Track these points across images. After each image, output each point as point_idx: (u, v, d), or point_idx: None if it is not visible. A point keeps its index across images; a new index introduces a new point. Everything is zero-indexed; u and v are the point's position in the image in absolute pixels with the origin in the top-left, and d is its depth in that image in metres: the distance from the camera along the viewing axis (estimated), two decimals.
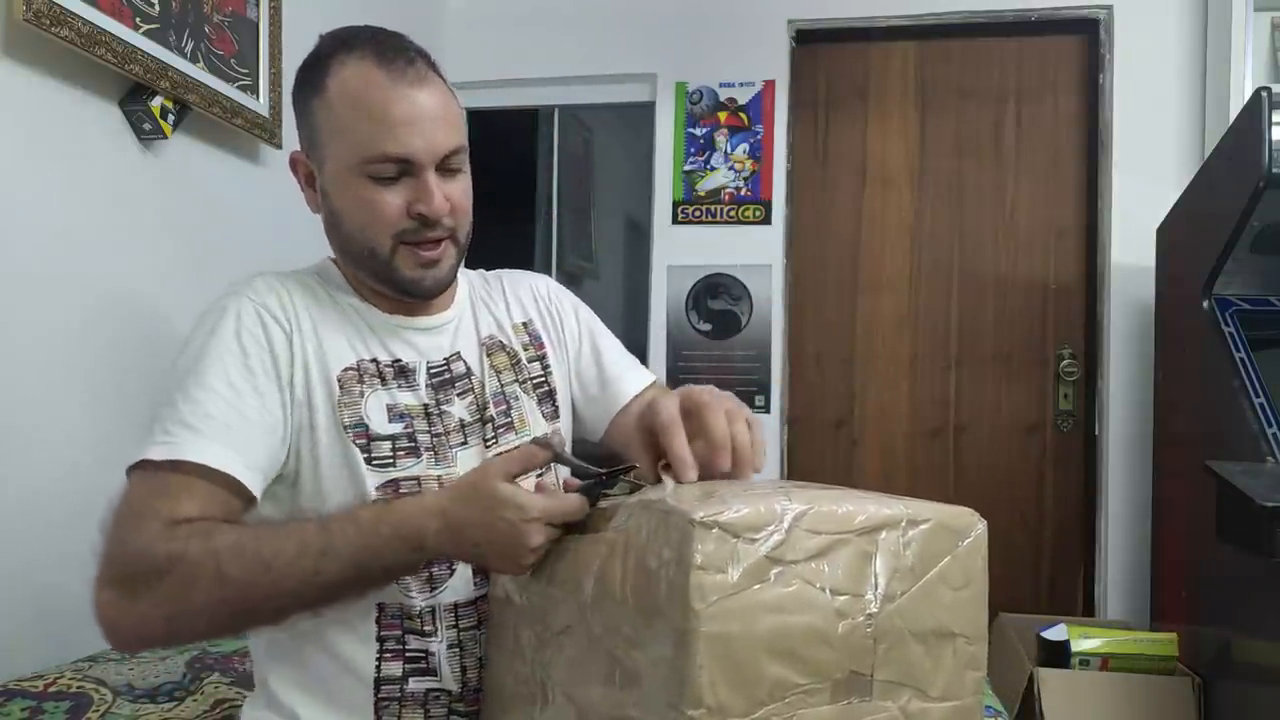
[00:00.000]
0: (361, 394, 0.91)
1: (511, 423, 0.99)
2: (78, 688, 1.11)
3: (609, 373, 1.10)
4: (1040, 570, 2.55)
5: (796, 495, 0.64)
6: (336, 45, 0.90)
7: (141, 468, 0.82)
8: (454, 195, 0.91)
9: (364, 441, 0.89)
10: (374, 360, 0.93)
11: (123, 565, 0.79)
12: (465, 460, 0.94)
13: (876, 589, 0.63)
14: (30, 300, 1.27)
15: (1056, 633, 1.99)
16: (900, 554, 0.65)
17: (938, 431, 2.62)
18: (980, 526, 0.69)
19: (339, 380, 0.90)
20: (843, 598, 0.62)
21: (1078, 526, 2.54)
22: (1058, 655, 1.96)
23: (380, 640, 0.89)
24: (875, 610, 0.63)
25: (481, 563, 0.83)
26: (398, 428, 0.91)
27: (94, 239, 1.38)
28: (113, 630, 0.80)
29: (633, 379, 1.11)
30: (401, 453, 0.90)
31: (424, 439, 0.92)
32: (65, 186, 1.33)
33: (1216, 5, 2.36)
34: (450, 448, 0.94)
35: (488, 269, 1.14)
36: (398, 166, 0.88)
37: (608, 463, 0.80)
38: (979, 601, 0.69)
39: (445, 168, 0.90)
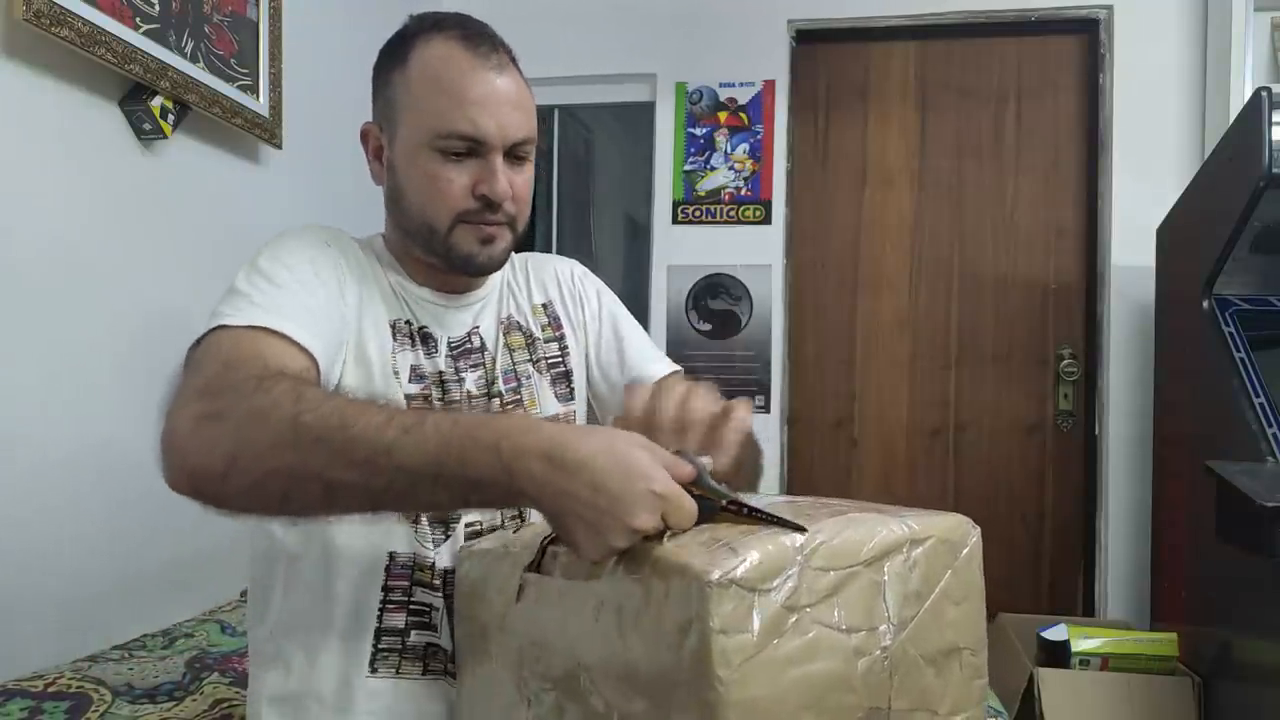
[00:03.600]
0: (394, 350, 0.93)
1: (521, 400, 1.00)
2: (77, 688, 1.11)
3: (630, 359, 1.10)
4: (1040, 570, 2.55)
5: (804, 522, 0.61)
6: (425, 25, 0.93)
7: (219, 332, 0.79)
8: (517, 184, 0.93)
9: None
10: (407, 322, 0.95)
11: (200, 387, 0.73)
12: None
13: (889, 620, 0.61)
14: (30, 300, 1.27)
15: (1056, 633, 1.99)
16: (907, 579, 0.63)
17: (938, 431, 2.62)
18: (975, 534, 0.68)
19: (387, 324, 0.93)
20: (858, 635, 0.60)
21: (1078, 526, 2.54)
22: (1058, 655, 1.96)
23: (385, 590, 0.89)
24: (889, 643, 0.61)
25: (565, 519, 0.63)
26: (415, 389, 0.92)
27: (94, 239, 1.38)
28: (171, 451, 0.71)
29: (655, 369, 1.11)
30: None
31: (438, 405, 0.93)
32: (65, 186, 1.33)
33: (1216, 5, 2.36)
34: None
35: None
36: (467, 145, 0.89)
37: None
38: (978, 612, 0.68)
39: (513, 155, 0.92)
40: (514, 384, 1.00)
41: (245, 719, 0.97)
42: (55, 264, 1.31)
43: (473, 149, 0.89)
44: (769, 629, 0.55)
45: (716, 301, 2.64)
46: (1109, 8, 2.48)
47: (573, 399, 1.06)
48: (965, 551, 0.67)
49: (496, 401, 0.98)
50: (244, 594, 1.63)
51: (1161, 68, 2.43)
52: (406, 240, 0.97)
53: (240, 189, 1.75)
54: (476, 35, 0.91)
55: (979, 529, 0.68)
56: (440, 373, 0.95)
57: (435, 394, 0.94)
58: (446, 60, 0.90)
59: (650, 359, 1.12)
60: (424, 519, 0.90)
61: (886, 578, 0.61)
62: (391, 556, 0.89)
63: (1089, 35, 2.55)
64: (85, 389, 1.36)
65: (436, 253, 0.94)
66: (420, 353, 0.95)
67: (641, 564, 0.60)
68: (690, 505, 0.62)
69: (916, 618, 0.63)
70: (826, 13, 2.62)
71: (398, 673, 0.89)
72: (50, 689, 1.10)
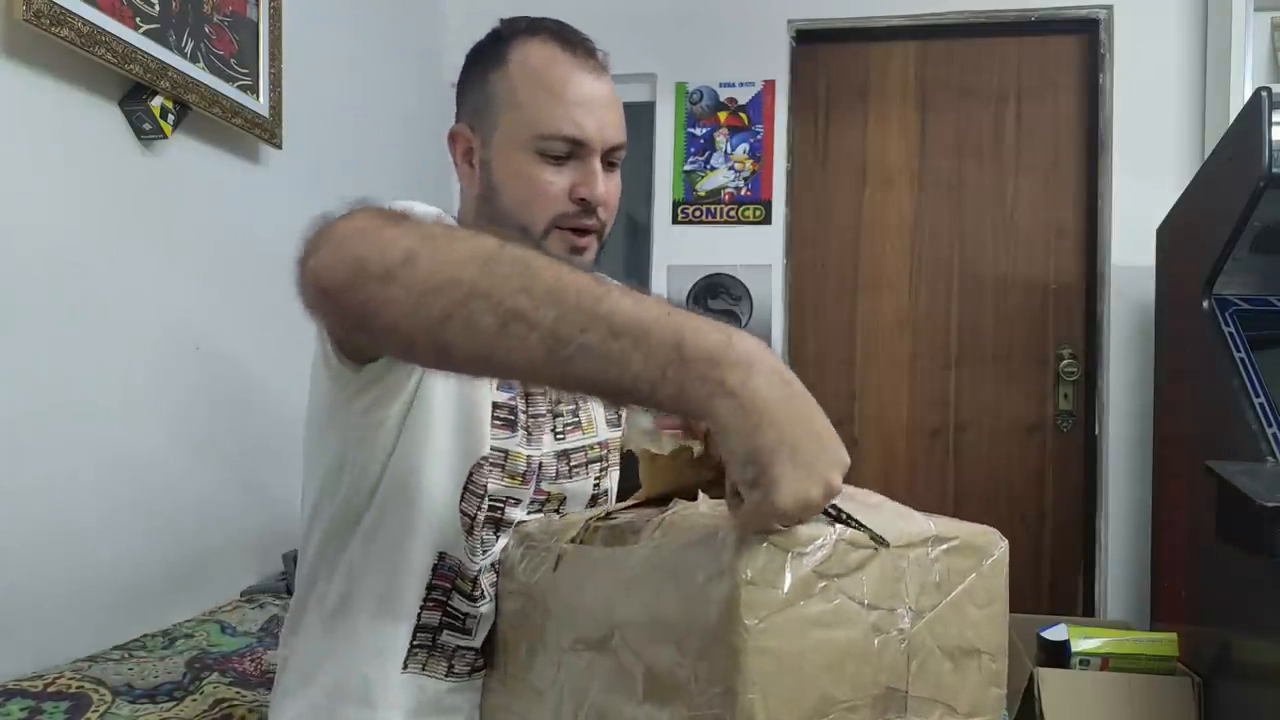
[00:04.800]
0: None
1: (579, 422, 1.00)
2: (77, 688, 1.11)
3: None
4: (1040, 570, 2.55)
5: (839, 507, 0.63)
6: (520, 28, 0.93)
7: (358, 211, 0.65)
8: (611, 190, 0.92)
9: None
10: None
11: (375, 212, 0.64)
12: (548, 446, 0.95)
13: (907, 604, 0.63)
14: (30, 300, 1.27)
15: (1056, 633, 1.99)
16: (929, 569, 0.65)
17: (938, 431, 2.62)
18: (1002, 546, 0.69)
19: None
20: (878, 612, 0.62)
21: (1078, 526, 2.54)
22: (1058, 655, 1.96)
23: (429, 589, 0.88)
24: (907, 626, 0.63)
25: (778, 449, 0.53)
26: (504, 397, 0.90)
27: (93, 239, 1.38)
28: (326, 242, 0.62)
29: None
30: (499, 424, 0.90)
31: (521, 417, 0.92)
32: (65, 186, 1.33)
33: (1216, 5, 2.36)
34: (542, 431, 0.94)
35: None
36: (569, 147, 0.89)
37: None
38: (1001, 620, 0.69)
39: (609, 161, 0.92)
40: (573, 405, 1.00)
41: (247, 718, 0.97)
42: (55, 264, 1.31)
43: (573, 151, 0.89)
44: (798, 589, 0.58)
45: (716, 301, 2.64)
46: (1109, 8, 2.48)
47: (619, 425, 1.06)
48: (991, 560, 0.68)
49: (560, 420, 0.97)
50: (244, 594, 1.63)
51: (1161, 68, 2.43)
52: None
53: (240, 189, 1.75)
54: (575, 38, 0.92)
55: (1007, 542, 0.69)
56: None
57: (520, 405, 0.92)
58: (549, 61, 0.90)
59: None
60: (479, 529, 0.88)
61: (908, 564, 0.63)
62: (441, 556, 0.88)
63: (1089, 35, 2.55)
64: (85, 388, 1.35)
65: None
66: None
67: (684, 526, 0.65)
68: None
69: (936, 609, 0.64)
70: (826, 13, 2.63)
71: (424, 669, 0.88)
72: (50, 689, 1.10)
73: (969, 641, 0.66)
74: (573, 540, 0.79)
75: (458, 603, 0.89)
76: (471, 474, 0.88)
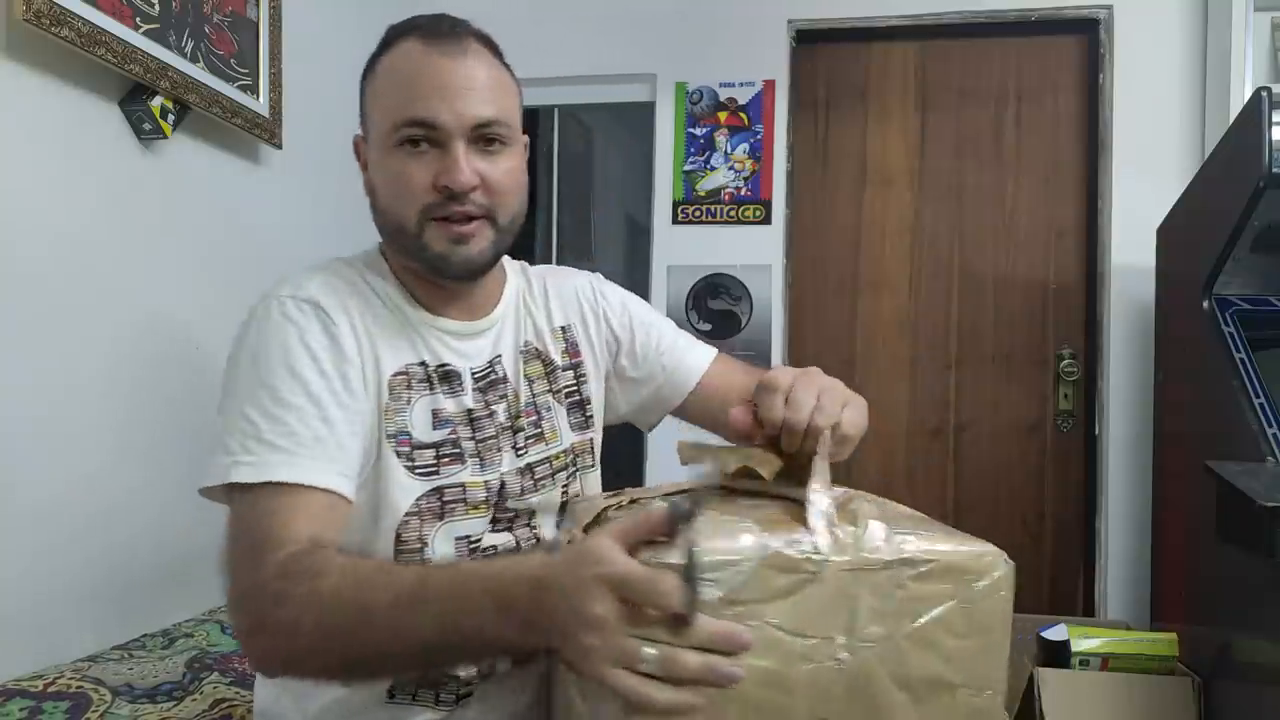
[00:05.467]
0: (409, 400, 0.89)
1: (541, 433, 0.99)
2: (77, 688, 1.11)
3: (668, 360, 1.10)
4: (1040, 570, 2.55)
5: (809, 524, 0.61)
6: (396, 32, 0.91)
7: (239, 490, 0.78)
8: (490, 172, 0.88)
9: (407, 450, 0.87)
10: (422, 364, 0.91)
11: (240, 598, 0.77)
12: (507, 465, 0.94)
13: (852, 632, 0.60)
14: (29, 300, 1.27)
15: (1056, 633, 1.99)
16: (889, 596, 0.61)
17: (938, 431, 2.61)
18: (1001, 569, 0.62)
19: (389, 385, 0.88)
20: (809, 641, 0.59)
21: (1078, 526, 2.54)
22: (1058, 655, 1.96)
23: None
24: (845, 655, 0.60)
25: (560, 649, 0.62)
26: (442, 434, 0.89)
27: (94, 239, 1.38)
28: (248, 656, 0.80)
29: (693, 359, 1.11)
30: (446, 459, 0.89)
31: (468, 445, 0.91)
32: (65, 186, 1.33)
33: (1216, 5, 2.36)
34: (498, 451, 0.93)
35: None
36: (424, 132, 0.85)
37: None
38: (992, 649, 0.62)
39: (481, 141, 0.87)
40: (534, 417, 0.98)
41: (247, 718, 0.97)
42: (55, 264, 1.31)
43: (431, 138, 0.85)
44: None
45: (716, 301, 2.64)
46: (1109, 8, 2.48)
47: (588, 428, 1.04)
48: (982, 584, 0.62)
49: (521, 435, 0.97)
50: None
51: (1161, 68, 2.43)
52: (390, 245, 0.94)
53: (240, 189, 1.75)
54: (442, 30, 0.88)
55: (1012, 565, 0.62)
56: (469, 410, 0.92)
57: (464, 433, 0.91)
58: (407, 57, 0.87)
59: (685, 350, 1.11)
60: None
61: (863, 589, 0.60)
62: None
63: (1089, 35, 2.54)
64: (86, 387, 1.35)
65: (414, 255, 0.90)
66: (441, 394, 0.91)
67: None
68: (656, 581, 0.57)
69: (892, 637, 0.60)
70: (826, 13, 2.62)
71: (414, 699, 0.88)
72: (50, 689, 1.10)
73: (936, 674, 0.61)
74: (584, 529, 0.77)
75: None
76: (400, 533, 0.87)
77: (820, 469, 0.67)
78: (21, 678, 1.12)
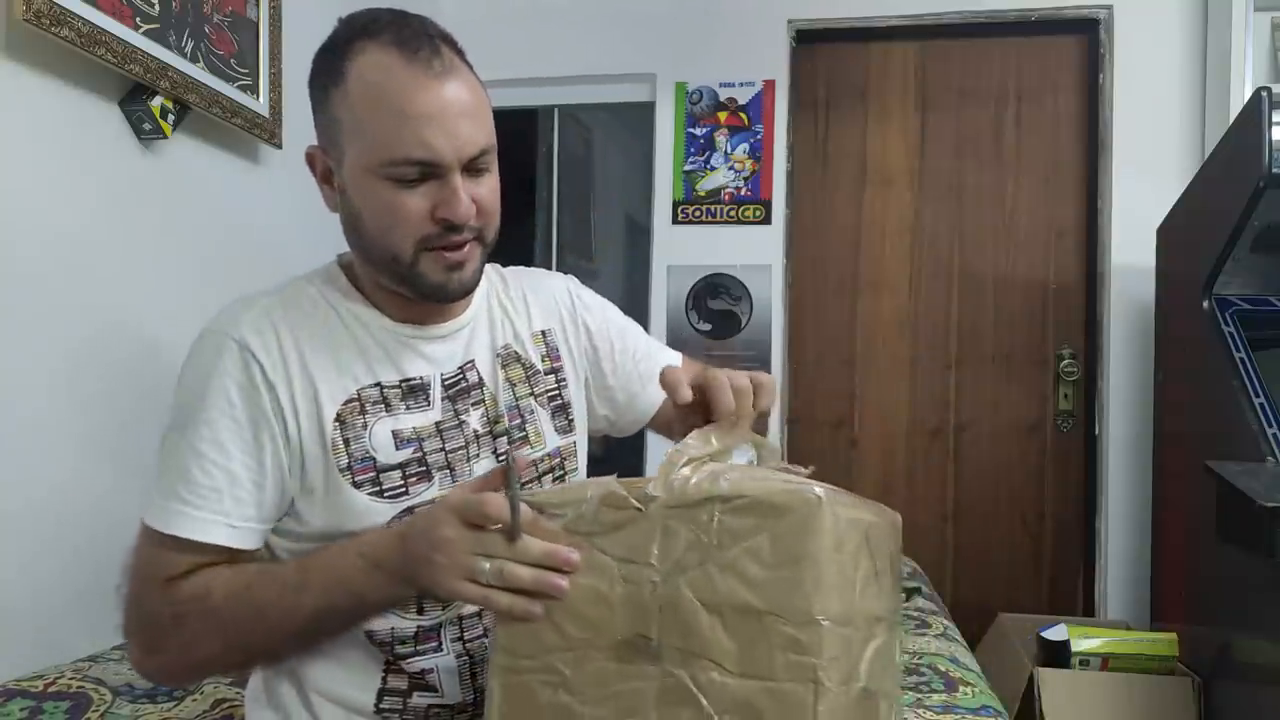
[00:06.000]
0: (365, 425, 0.87)
1: (527, 436, 0.97)
2: (78, 688, 1.11)
3: (645, 369, 1.10)
4: (1040, 570, 2.55)
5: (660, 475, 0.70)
6: (356, 31, 0.84)
7: (145, 525, 0.84)
8: (481, 196, 0.85)
9: (372, 475, 0.86)
10: (377, 385, 0.89)
11: (138, 623, 0.84)
12: (481, 472, 0.93)
13: (668, 559, 0.67)
14: (30, 300, 1.27)
15: (1056, 633, 1.99)
16: (705, 528, 0.66)
17: (938, 431, 2.62)
18: (810, 506, 0.64)
19: (339, 416, 0.86)
20: (630, 565, 0.68)
21: (1078, 526, 2.54)
22: (1058, 655, 1.96)
23: (384, 659, 0.89)
24: (658, 579, 0.67)
25: (421, 580, 0.75)
26: (407, 453, 0.88)
27: (94, 239, 1.38)
28: (143, 674, 0.89)
29: (667, 361, 1.12)
30: (413, 478, 0.88)
31: (436, 458, 0.89)
32: (65, 186, 1.33)
33: (1216, 5, 2.36)
34: (468, 461, 0.92)
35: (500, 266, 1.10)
36: (420, 169, 0.81)
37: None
38: (809, 584, 0.63)
39: (472, 168, 0.84)
40: (518, 420, 0.97)
41: None
42: (55, 264, 1.31)
43: (427, 171, 0.82)
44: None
45: (716, 301, 2.64)
46: (1109, 8, 2.48)
47: (571, 431, 1.03)
48: (789, 518, 0.64)
49: (504, 440, 0.95)
50: None
51: (1161, 68, 2.43)
52: (374, 269, 0.89)
53: (240, 189, 1.75)
54: (414, 38, 0.82)
55: (824, 503, 0.64)
56: (437, 424, 0.90)
57: (432, 447, 0.89)
58: (385, 73, 0.81)
59: (660, 361, 1.12)
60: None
61: (680, 523, 0.67)
62: (369, 634, 0.88)
63: (1089, 35, 2.55)
64: (86, 387, 1.35)
65: (404, 282, 0.87)
66: (402, 412, 0.89)
67: None
68: (487, 502, 0.70)
69: (703, 565, 0.66)
70: (826, 13, 2.62)
71: None
72: (50, 689, 1.10)
73: (744, 602, 0.65)
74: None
75: (412, 663, 0.89)
76: None
77: (729, 433, 0.77)
78: (22, 678, 1.12)
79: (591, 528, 0.70)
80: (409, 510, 0.87)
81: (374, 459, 0.87)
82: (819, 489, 0.65)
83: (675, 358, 1.14)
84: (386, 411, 0.88)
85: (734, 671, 0.64)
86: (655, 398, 1.10)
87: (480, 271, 0.91)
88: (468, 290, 0.90)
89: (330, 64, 0.84)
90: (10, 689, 1.09)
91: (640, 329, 1.15)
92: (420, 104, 0.80)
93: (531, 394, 0.99)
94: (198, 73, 1.54)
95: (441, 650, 0.89)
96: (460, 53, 0.87)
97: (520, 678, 0.72)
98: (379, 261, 0.87)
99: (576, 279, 1.13)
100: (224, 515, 0.83)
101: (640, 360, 1.11)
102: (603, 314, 1.10)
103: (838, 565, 0.65)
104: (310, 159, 0.90)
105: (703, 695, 0.65)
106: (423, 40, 0.82)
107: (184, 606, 0.80)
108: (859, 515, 0.70)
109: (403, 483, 0.87)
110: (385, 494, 0.87)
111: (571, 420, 1.03)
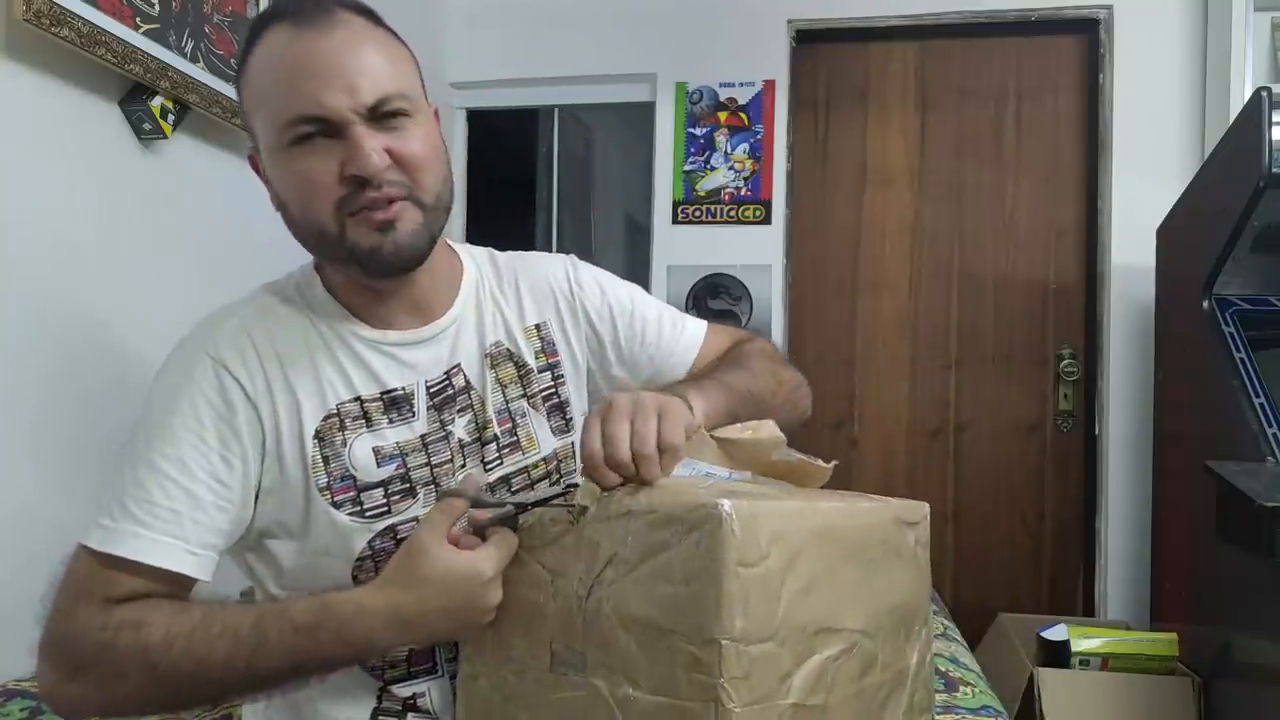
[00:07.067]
0: (345, 441, 0.83)
1: (518, 441, 0.92)
2: None
3: (655, 352, 1.02)
4: (1040, 570, 2.55)
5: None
6: (261, 23, 0.81)
7: (85, 547, 0.78)
8: (400, 148, 0.79)
9: (353, 494, 0.83)
10: (356, 399, 0.85)
11: (57, 647, 0.77)
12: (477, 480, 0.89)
13: (590, 573, 0.68)
14: (30, 300, 1.27)
15: (1056, 633, 1.99)
16: (624, 543, 0.66)
17: (938, 431, 2.62)
18: (712, 522, 0.61)
19: (318, 432, 0.83)
20: (561, 578, 0.70)
21: (1078, 526, 2.54)
22: (1058, 655, 1.96)
23: (377, 686, 0.87)
24: (584, 593, 0.68)
25: (440, 640, 0.80)
26: (389, 470, 0.84)
27: (93, 239, 1.38)
28: (49, 702, 0.79)
29: (682, 349, 1.04)
30: (396, 496, 0.84)
31: (420, 474, 0.86)
32: (65, 186, 1.33)
33: (1216, 5, 2.36)
34: (454, 474, 0.87)
35: None
36: (318, 126, 0.77)
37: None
38: (704, 600, 0.60)
39: (382, 117, 0.78)
40: (509, 425, 0.92)
41: None
42: (55, 264, 1.31)
43: (325, 129, 0.77)
44: (504, 558, 0.74)
45: (716, 301, 2.64)
46: (1109, 8, 2.48)
47: (569, 431, 0.97)
48: (695, 534, 0.62)
49: (492, 447, 0.90)
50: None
51: (1161, 68, 2.43)
52: (318, 256, 0.86)
53: (240, 189, 1.74)
54: (309, 10, 0.78)
55: (731, 519, 0.60)
56: (423, 436, 0.86)
57: (416, 461, 0.86)
58: (275, 46, 0.78)
59: (673, 339, 1.04)
60: None
61: (602, 538, 0.68)
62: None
63: (1089, 35, 2.55)
64: (87, 386, 1.35)
65: (342, 259, 0.82)
66: (384, 426, 0.85)
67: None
68: (509, 545, 0.74)
69: (618, 581, 0.66)
70: (826, 13, 2.62)
71: None
72: None
73: (650, 619, 0.63)
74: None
75: (403, 689, 0.86)
76: (357, 576, 0.84)
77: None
78: (22, 678, 1.12)
79: (535, 541, 0.73)
80: (390, 530, 0.84)
81: (354, 477, 0.83)
82: (731, 502, 0.61)
83: (694, 337, 1.05)
84: (367, 427, 0.85)
85: (645, 688, 0.64)
86: (669, 375, 1.01)
87: (426, 237, 0.83)
88: (409, 255, 0.82)
89: (240, 64, 0.83)
90: (10, 689, 1.09)
91: (646, 299, 1.06)
92: (305, 61, 0.76)
93: (524, 395, 0.94)
94: (198, 73, 1.54)
95: (436, 672, 0.87)
96: (370, 15, 0.82)
97: (478, 684, 0.76)
98: (316, 243, 0.83)
99: (576, 257, 1.07)
100: (182, 540, 0.78)
101: (649, 343, 1.02)
102: (602, 297, 1.02)
103: (750, 580, 0.61)
104: (252, 163, 0.88)
105: (619, 709, 0.65)
106: (318, 11, 0.79)
107: (112, 636, 0.73)
108: (800, 523, 0.67)
109: (385, 501, 0.84)
110: (366, 513, 0.83)
111: (569, 420, 0.97)
